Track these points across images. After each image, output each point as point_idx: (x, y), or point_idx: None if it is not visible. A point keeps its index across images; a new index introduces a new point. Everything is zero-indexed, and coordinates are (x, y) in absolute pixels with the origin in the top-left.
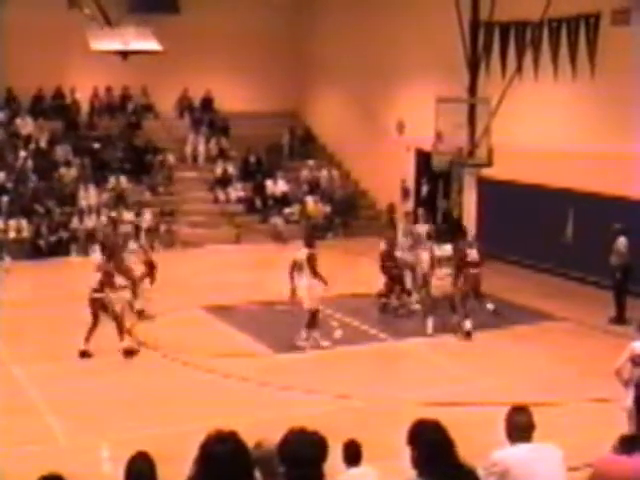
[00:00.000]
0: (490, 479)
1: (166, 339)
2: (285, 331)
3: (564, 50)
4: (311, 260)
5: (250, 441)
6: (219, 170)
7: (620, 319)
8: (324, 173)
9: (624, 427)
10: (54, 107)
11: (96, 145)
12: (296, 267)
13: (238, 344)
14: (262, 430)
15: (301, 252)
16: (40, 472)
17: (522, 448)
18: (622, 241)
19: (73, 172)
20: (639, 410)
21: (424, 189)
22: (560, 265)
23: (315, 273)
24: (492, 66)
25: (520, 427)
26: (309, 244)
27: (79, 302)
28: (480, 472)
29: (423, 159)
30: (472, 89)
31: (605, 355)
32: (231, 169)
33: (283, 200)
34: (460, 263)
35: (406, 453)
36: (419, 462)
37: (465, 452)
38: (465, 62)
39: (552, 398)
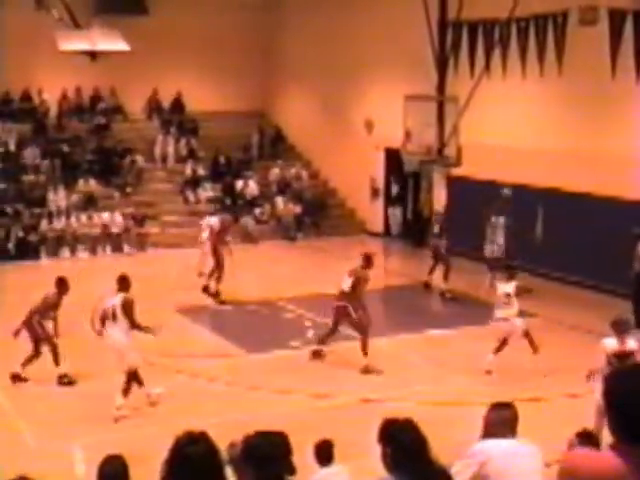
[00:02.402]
0: (468, 470)
1: (138, 341)
2: (257, 331)
3: (532, 48)
4: None
5: (222, 441)
6: (189, 171)
7: None
8: (293, 173)
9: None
10: (22, 109)
11: (65, 147)
12: None
13: (210, 345)
14: (234, 431)
15: None
16: (10, 475)
17: (504, 442)
18: None
19: (42, 176)
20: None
21: (394, 188)
22: (531, 262)
23: None
24: (460, 65)
25: (504, 422)
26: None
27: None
28: (458, 465)
29: (392, 158)
30: (441, 87)
31: (574, 351)
32: (201, 170)
33: (253, 200)
34: None
35: (377, 452)
36: (392, 460)
37: (437, 451)
38: (433, 61)
39: (520, 395)
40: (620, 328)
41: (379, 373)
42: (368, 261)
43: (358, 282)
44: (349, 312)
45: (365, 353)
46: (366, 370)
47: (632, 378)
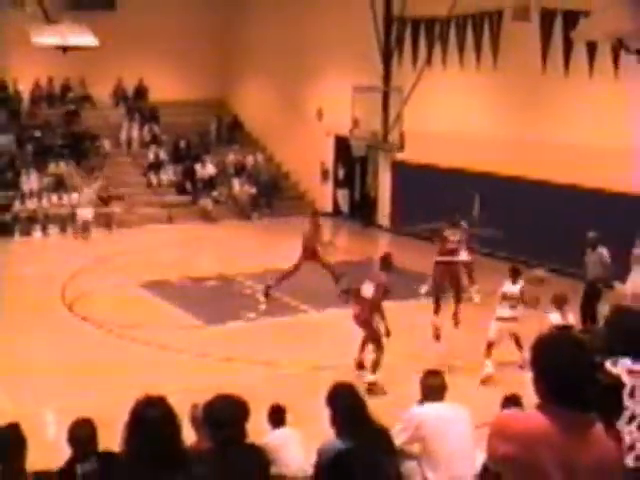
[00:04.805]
0: (405, 433)
1: (106, 314)
2: (215, 304)
3: (470, 43)
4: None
5: (185, 406)
6: (151, 155)
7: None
8: (249, 157)
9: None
10: None
11: (37, 133)
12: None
13: (172, 317)
14: (195, 396)
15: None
16: None
17: (435, 406)
18: (605, 252)
19: (16, 160)
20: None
21: (341, 172)
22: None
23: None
24: (404, 57)
25: (434, 388)
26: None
27: (19, 280)
28: (397, 427)
29: (341, 143)
30: (386, 78)
31: None
32: (163, 154)
33: (211, 183)
34: None
35: (326, 416)
36: (336, 422)
37: (380, 413)
38: (379, 54)
39: (456, 363)
40: (561, 303)
41: (383, 394)
42: (385, 263)
43: (378, 289)
44: (370, 323)
45: (373, 370)
46: (371, 389)
47: (558, 344)
